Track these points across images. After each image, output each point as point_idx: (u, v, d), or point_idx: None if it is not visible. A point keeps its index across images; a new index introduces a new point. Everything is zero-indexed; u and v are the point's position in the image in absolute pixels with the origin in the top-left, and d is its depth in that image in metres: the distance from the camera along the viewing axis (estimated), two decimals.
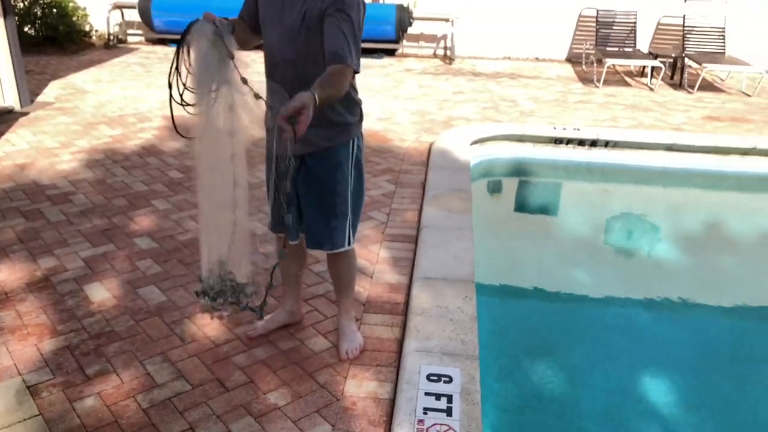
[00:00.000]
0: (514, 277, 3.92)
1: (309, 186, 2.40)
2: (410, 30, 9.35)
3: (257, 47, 2.37)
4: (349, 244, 2.54)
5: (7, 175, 4.48)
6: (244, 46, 2.22)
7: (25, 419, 2.24)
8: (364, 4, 2.22)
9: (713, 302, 3.81)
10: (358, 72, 2.18)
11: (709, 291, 3.91)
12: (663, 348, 3.30)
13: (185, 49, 2.05)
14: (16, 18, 6.31)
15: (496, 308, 3.44)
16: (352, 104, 2.36)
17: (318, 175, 2.38)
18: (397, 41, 9.22)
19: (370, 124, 5.90)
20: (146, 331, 2.78)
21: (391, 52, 9.57)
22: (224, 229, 2.18)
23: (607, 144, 5.49)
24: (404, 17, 8.91)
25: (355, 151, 2.45)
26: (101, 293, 3.06)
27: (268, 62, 2.31)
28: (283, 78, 2.22)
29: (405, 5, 9.17)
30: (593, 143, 5.49)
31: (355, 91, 2.39)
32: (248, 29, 2.35)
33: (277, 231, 2.56)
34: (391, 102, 6.84)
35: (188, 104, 2.09)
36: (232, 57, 2.01)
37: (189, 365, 2.57)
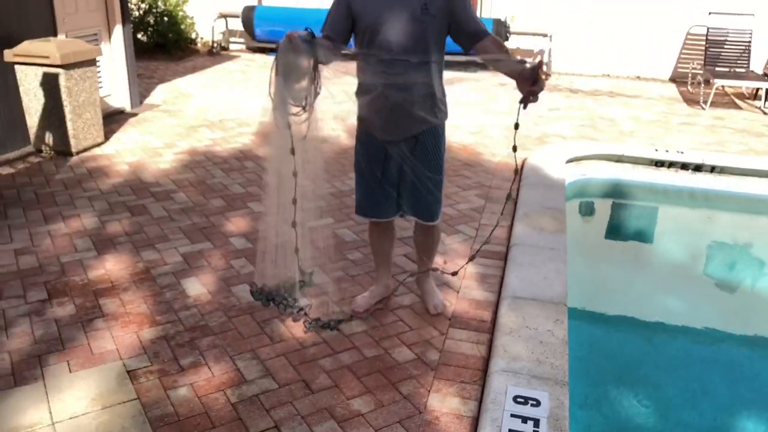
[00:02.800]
0: (607, 303, 3.76)
1: (423, 161, 2.68)
2: (506, 44, 9.25)
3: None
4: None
5: (116, 171, 4.76)
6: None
7: (124, 402, 2.35)
8: None
9: None
10: None
11: None
12: (763, 388, 3.08)
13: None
14: (131, 26, 6.73)
15: (587, 333, 3.31)
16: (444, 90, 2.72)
17: (431, 149, 2.70)
18: None
19: (461, 137, 5.86)
20: (238, 327, 2.86)
21: (485, 66, 9.48)
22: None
23: (713, 169, 5.19)
24: (501, 31, 8.82)
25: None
26: (197, 288, 3.18)
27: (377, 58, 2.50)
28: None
29: (502, 19, 9.09)
30: (698, 168, 5.21)
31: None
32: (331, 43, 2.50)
33: (371, 215, 2.90)
34: (483, 116, 6.77)
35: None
36: (315, 67, 2.26)
37: (277, 364, 2.62)
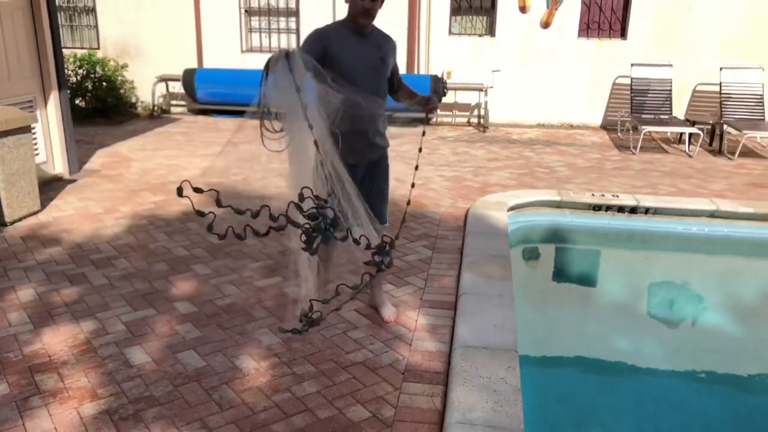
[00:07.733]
0: (556, 347, 3.81)
1: (385, 175, 3.43)
2: (444, 99, 9.55)
3: None
4: None
5: (54, 239, 4.61)
6: None
7: None
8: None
9: (760, 372, 3.64)
10: None
11: (756, 362, 3.74)
12: (712, 423, 3.15)
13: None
14: (69, 92, 6.64)
15: (540, 379, 3.33)
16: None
17: (388, 166, 3.43)
18: None
19: (405, 190, 5.93)
20: (184, 396, 2.76)
21: (423, 120, 9.73)
22: None
23: (647, 211, 5.42)
24: (438, 87, 9.11)
25: None
26: (141, 357, 3.06)
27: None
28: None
29: (439, 75, 9.40)
30: (633, 210, 5.43)
31: None
32: None
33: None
34: (426, 168, 6.90)
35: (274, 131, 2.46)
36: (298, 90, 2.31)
37: None
